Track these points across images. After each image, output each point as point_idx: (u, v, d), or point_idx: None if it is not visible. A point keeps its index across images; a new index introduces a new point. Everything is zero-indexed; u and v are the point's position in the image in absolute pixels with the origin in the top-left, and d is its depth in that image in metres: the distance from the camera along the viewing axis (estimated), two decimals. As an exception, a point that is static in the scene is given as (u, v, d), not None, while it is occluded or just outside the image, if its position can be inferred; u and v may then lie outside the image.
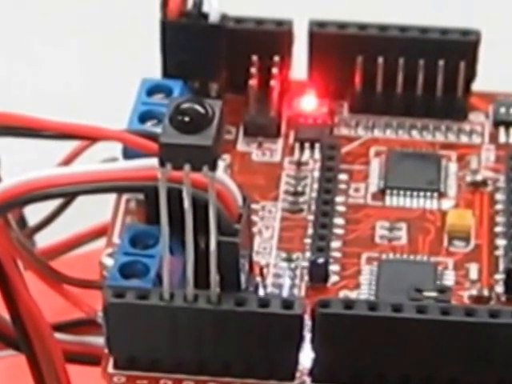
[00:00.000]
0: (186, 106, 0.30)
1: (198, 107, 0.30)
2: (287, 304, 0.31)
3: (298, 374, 0.32)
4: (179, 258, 0.32)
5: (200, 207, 0.31)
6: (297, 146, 0.36)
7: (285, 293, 0.34)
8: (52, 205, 0.44)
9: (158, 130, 0.31)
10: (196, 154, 0.30)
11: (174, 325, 0.31)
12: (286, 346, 0.31)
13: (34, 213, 0.43)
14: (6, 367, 0.35)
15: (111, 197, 0.35)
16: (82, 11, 0.58)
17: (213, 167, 0.30)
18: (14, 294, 0.33)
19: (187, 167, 0.30)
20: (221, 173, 0.31)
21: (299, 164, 0.35)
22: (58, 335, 0.35)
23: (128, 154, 0.32)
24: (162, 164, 0.30)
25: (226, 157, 0.35)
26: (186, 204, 0.30)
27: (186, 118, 0.30)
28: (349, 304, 0.31)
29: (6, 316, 0.34)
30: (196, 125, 0.30)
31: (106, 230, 0.34)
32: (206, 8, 0.35)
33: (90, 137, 0.32)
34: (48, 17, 0.63)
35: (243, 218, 0.31)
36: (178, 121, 0.30)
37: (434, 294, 0.33)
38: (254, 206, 0.34)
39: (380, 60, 0.36)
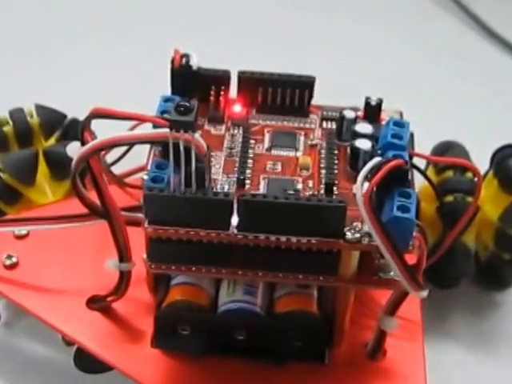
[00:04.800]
0: (181, 103, 0.32)
1: (186, 103, 0.32)
2: (226, 194, 0.32)
3: (231, 228, 0.33)
4: (178, 174, 0.33)
5: (187, 151, 0.32)
6: (230, 127, 0.38)
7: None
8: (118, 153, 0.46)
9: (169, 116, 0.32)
10: (186, 124, 0.32)
11: (176, 205, 0.32)
12: (224, 214, 0.32)
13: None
14: (98, 228, 0.36)
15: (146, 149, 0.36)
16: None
17: (193, 131, 0.32)
18: (101, 190, 0.34)
19: (182, 131, 0.32)
20: (197, 134, 0.32)
21: (232, 135, 0.37)
22: (122, 212, 0.36)
23: (155, 126, 0.33)
24: (171, 129, 0.32)
25: (200, 131, 0.36)
26: (182, 149, 0.32)
27: (182, 108, 0.32)
28: (254, 195, 0.32)
29: (98, 202, 0.35)
30: (186, 111, 0.32)
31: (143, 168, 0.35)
32: (191, 62, 0.36)
33: (141, 119, 0.34)
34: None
35: (207, 156, 0.33)
36: (177, 110, 0.32)
37: (292, 192, 0.34)
38: (212, 153, 0.36)
39: (269, 90, 0.38)
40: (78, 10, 0.63)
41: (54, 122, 0.45)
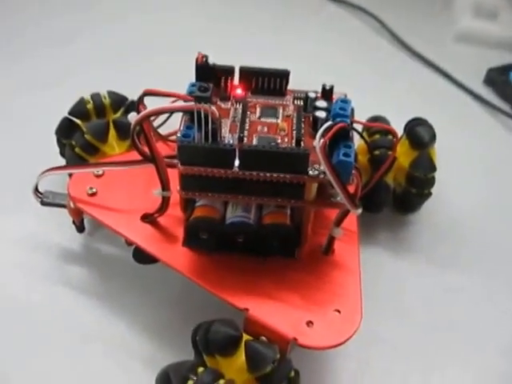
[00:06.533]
0: (202, 85, 0.32)
1: (205, 85, 0.32)
2: (231, 145, 0.32)
3: (234, 167, 0.32)
4: (200, 132, 0.33)
5: (206, 117, 0.32)
6: (234, 103, 0.37)
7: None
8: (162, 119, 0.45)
9: (195, 94, 0.33)
10: (205, 99, 0.32)
11: (199, 152, 0.32)
12: (229, 158, 0.32)
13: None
14: (148, 169, 0.34)
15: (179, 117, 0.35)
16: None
17: (211, 103, 0.32)
18: (150, 144, 0.34)
19: (203, 103, 0.32)
20: (212, 106, 0.32)
21: (235, 109, 0.36)
22: (164, 159, 0.35)
23: (186, 101, 0.33)
24: (195, 102, 0.32)
25: (214, 105, 0.34)
26: (202, 116, 0.32)
27: (202, 88, 0.32)
28: (249, 146, 0.33)
29: (148, 152, 0.34)
30: (205, 91, 0.32)
31: (177, 130, 0.34)
32: (209, 60, 0.36)
33: (177, 96, 0.33)
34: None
35: (219, 120, 0.33)
36: (200, 90, 0.32)
37: (274, 144, 0.34)
38: (222, 119, 0.34)
39: (260, 79, 0.37)
40: (135, 34, 0.63)
41: (119, 102, 0.45)
